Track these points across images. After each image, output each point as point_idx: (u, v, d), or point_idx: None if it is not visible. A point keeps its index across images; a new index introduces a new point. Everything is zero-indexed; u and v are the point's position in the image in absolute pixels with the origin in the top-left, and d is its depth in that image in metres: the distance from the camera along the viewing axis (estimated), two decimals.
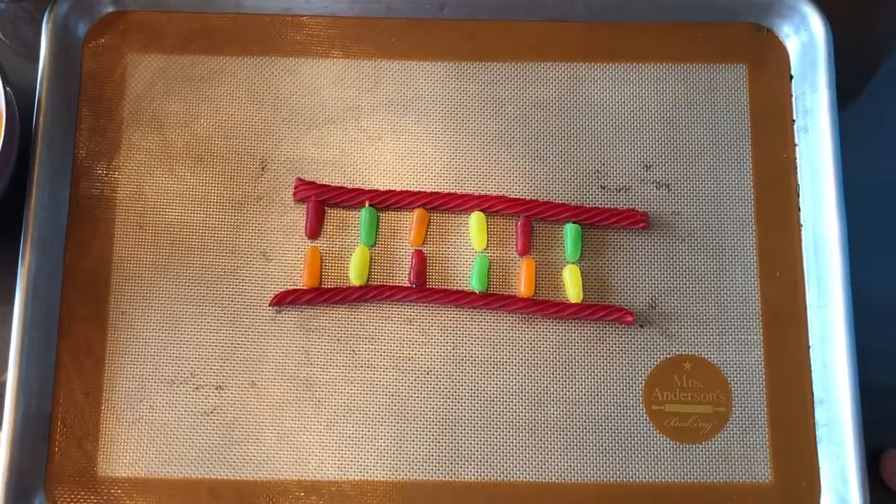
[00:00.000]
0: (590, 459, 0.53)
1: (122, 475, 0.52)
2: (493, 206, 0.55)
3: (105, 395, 0.53)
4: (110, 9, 0.58)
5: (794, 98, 0.58)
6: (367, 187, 0.56)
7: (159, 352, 0.54)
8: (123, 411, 0.53)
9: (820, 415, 0.53)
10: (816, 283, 0.55)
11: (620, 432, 0.53)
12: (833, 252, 0.54)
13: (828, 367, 0.53)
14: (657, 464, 0.53)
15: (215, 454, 0.53)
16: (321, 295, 0.54)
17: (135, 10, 0.58)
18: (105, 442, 0.53)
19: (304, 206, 0.56)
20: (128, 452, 0.53)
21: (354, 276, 0.54)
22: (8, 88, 0.51)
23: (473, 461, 0.53)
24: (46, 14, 0.56)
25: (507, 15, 0.58)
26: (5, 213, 0.54)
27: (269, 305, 0.54)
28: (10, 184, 0.52)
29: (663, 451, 0.53)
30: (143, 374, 0.53)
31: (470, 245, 0.55)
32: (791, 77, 0.58)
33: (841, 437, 0.52)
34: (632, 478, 0.53)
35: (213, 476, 0.52)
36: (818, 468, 0.53)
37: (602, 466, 0.53)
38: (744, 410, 0.54)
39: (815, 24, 0.57)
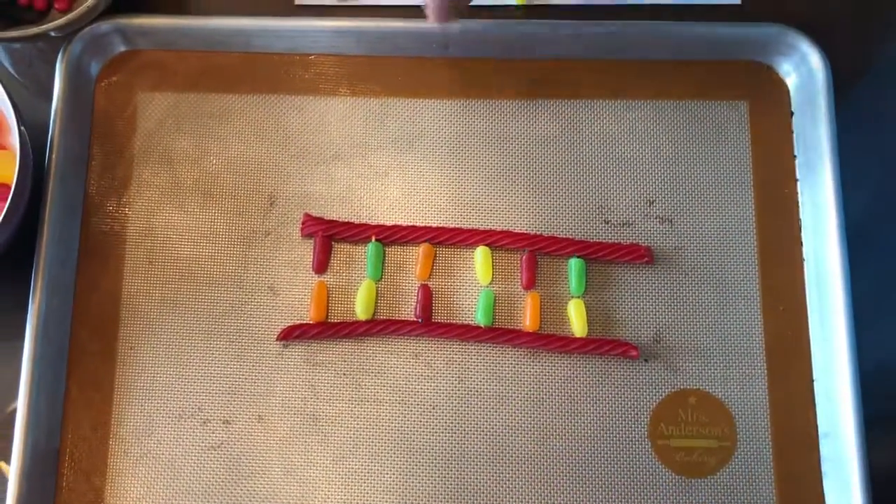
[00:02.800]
0: (595, 493, 0.53)
1: None
2: (498, 241, 0.56)
3: (113, 429, 0.54)
4: (122, 48, 0.59)
5: (794, 134, 0.58)
6: (373, 222, 0.57)
7: (167, 386, 0.54)
8: (131, 445, 0.53)
9: (825, 449, 0.53)
10: (819, 316, 0.55)
11: (626, 466, 0.53)
12: (836, 285, 0.54)
13: (832, 401, 0.53)
14: (663, 498, 0.53)
15: (222, 488, 0.53)
16: (328, 329, 0.54)
17: (146, 50, 0.59)
18: (113, 476, 0.53)
19: (312, 241, 0.56)
20: (135, 487, 0.53)
21: (361, 311, 0.55)
22: (23, 128, 0.52)
23: (479, 495, 0.53)
24: (60, 54, 0.57)
25: (511, 53, 0.59)
26: (18, 248, 0.54)
27: (277, 340, 0.55)
28: (22, 221, 0.53)
29: (669, 485, 0.53)
30: (150, 409, 0.54)
31: (475, 279, 0.56)
32: (791, 113, 0.59)
33: (846, 471, 0.52)
34: None
35: None
36: (824, 503, 0.53)
37: (608, 500, 0.53)
38: (749, 444, 0.54)
39: (815, 61, 0.57)
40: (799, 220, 0.57)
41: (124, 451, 0.53)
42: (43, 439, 0.53)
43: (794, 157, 0.58)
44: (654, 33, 0.59)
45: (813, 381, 0.55)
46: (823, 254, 0.55)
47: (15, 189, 0.50)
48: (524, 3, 0.61)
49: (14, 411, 0.53)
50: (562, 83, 0.59)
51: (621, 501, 0.53)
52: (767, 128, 0.59)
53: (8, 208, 0.50)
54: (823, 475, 0.53)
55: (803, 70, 0.58)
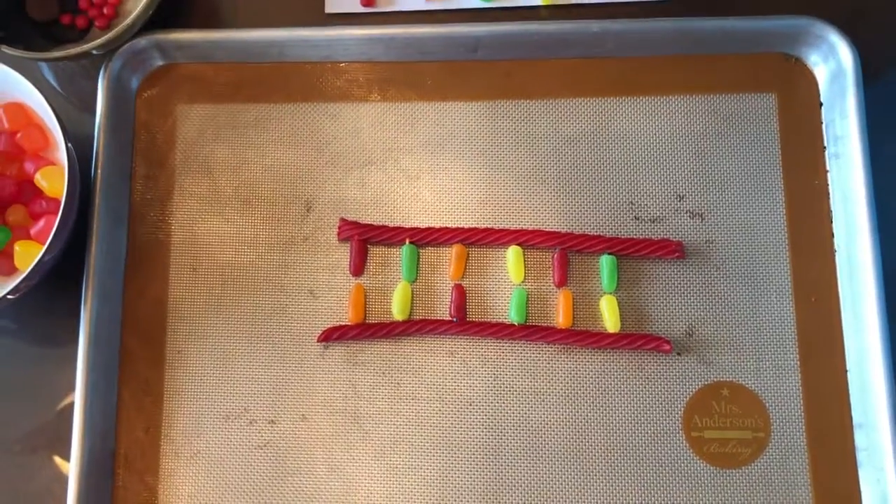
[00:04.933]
0: (630, 487, 0.54)
1: None
2: (529, 240, 0.57)
3: (164, 431, 0.56)
4: (160, 62, 0.61)
5: (824, 125, 0.59)
6: (407, 225, 0.58)
7: (214, 388, 0.56)
8: (182, 446, 0.56)
9: (860, 439, 0.54)
10: (852, 307, 0.55)
11: (660, 459, 0.54)
12: (868, 275, 0.55)
13: (866, 391, 0.54)
14: (698, 489, 0.54)
15: (269, 486, 0.55)
16: (366, 330, 0.56)
17: (184, 63, 0.61)
18: (165, 476, 0.55)
19: (348, 245, 0.58)
20: (187, 485, 0.55)
21: (397, 311, 0.56)
22: (69, 144, 0.54)
23: (516, 490, 0.54)
24: (102, 70, 0.59)
25: (539, 54, 0.60)
26: (69, 259, 0.57)
27: (317, 341, 0.56)
28: (72, 232, 0.55)
29: (704, 476, 0.54)
30: (199, 411, 0.56)
31: (508, 278, 0.57)
32: (821, 104, 0.59)
33: (881, 461, 0.52)
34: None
35: None
36: (859, 493, 0.53)
37: (643, 493, 0.54)
38: (783, 435, 0.54)
39: (843, 52, 0.57)
40: (830, 211, 0.57)
41: (175, 452, 0.56)
42: (99, 442, 0.55)
43: (824, 148, 0.58)
44: (680, 29, 0.59)
45: (846, 371, 0.55)
46: (855, 244, 0.56)
47: (65, 204, 0.53)
48: (550, 3, 0.61)
49: (66, 408, 0.55)
50: (590, 81, 0.60)
51: (657, 494, 0.54)
52: (797, 120, 0.59)
53: (59, 222, 0.52)
54: (858, 465, 0.54)
55: (832, 61, 0.58)
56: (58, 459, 0.56)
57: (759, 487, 0.54)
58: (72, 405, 0.55)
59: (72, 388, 0.55)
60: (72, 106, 0.63)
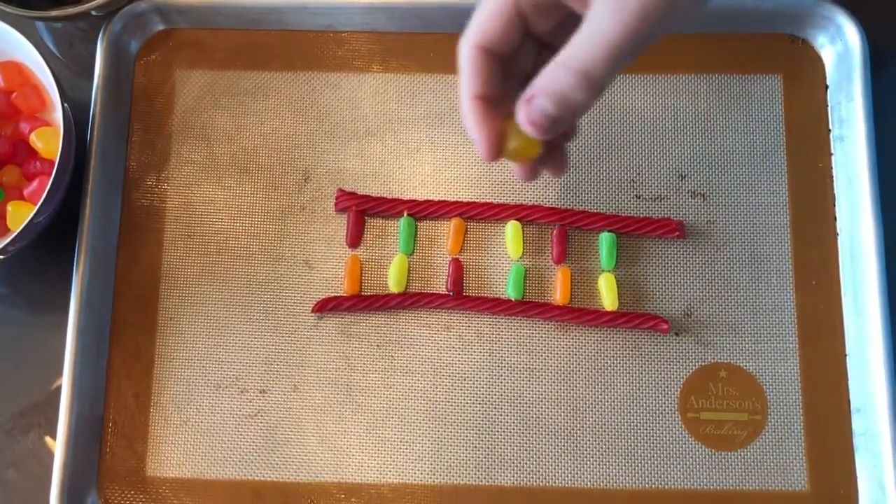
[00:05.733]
0: (625, 466, 0.53)
1: (169, 475, 0.54)
2: (528, 216, 0.56)
3: (154, 398, 0.55)
4: (160, 27, 0.60)
5: (829, 108, 0.58)
6: (405, 197, 0.57)
7: (206, 356, 0.56)
8: (171, 414, 0.55)
9: (857, 424, 0.53)
10: (853, 291, 0.55)
11: (656, 439, 0.54)
12: (869, 260, 0.54)
13: (865, 376, 0.53)
14: (692, 471, 0.53)
15: (259, 456, 0.54)
16: (361, 302, 0.55)
17: (184, 28, 0.61)
18: (154, 443, 0.55)
19: (345, 215, 0.57)
20: (175, 454, 0.55)
21: (393, 284, 0.56)
22: (66, 105, 0.53)
23: (510, 466, 0.54)
24: (101, 32, 0.58)
25: None
26: (62, 223, 0.56)
27: (311, 312, 0.56)
28: (65, 195, 0.55)
29: (699, 458, 0.53)
30: (190, 378, 0.55)
31: (506, 253, 0.57)
32: (826, 87, 0.58)
33: (878, 446, 0.52)
34: (667, 484, 0.53)
35: (256, 478, 0.54)
36: (855, 477, 0.53)
37: (637, 473, 0.53)
38: (780, 418, 0.54)
39: (851, 33, 0.57)
40: (833, 194, 0.57)
41: (164, 419, 0.55)
42: (87, 407, 0.54)
43: (829, 131, 0.58)
44: None
45: (846, 355, 0.54)
46: (857, 228, 0.55)
47: (59, 165, 0.52)
48: None
49: (55, 372, 0.54)
50: None
51: (651, 474, 0.53)
52: (802, 102, 0.58)
53: (52, 183, 0.52)
54: (855, 449, 0.53)
55: (839, 43, 0.58)
56: (45, 424, 0.56)
57: (754, 470, 0.53)
58: (61, 370, 0.54)
59: (62, 353, 0.54)
60: (70, 71, 0.62)
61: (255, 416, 0.55)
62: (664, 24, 0.34)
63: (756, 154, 0.58)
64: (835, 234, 0.56)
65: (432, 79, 0.59)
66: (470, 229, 0.57)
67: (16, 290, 0.59)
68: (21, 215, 0.52)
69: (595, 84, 0.35)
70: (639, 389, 0.54)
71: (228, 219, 0.58)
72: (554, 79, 0.36)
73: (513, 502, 0.53)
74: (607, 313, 0.55)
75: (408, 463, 0.54)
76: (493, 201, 0.57)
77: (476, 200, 0.57)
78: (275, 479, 0.54)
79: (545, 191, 0.57)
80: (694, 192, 0.57)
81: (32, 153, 0.56)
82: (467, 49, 0.40)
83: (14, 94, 0.56)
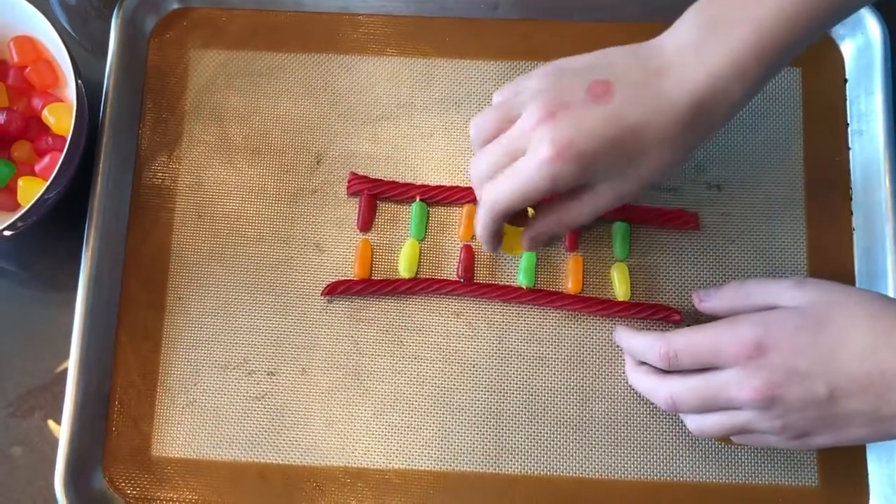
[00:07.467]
0: (633, 457, 0.53)
1: (174, 456, 0.54)
2: None
3: (160, 377, 0.55)
4: (175, 5, 0.60)
5: (848, 101, 0.57)
6: (418, 182, 0.57)
7: (214, 337, 0.55)
8: (178, 394, 0.55)
9: None
10: (868, 286, 0.54)
11: (665, 430, 0.53)
12: (884, 256, 0.53)
13: None
14: (702, 463, 0.53)
15: (265, 438, 0.54)
16: (371, 286, 0.55)
17: (199, 7, 0.60)
18: (159, 423, 0.54)
19: (357, 199, 0.57)
20: (181, 434, 0.54)
21: (404, 269, 0.55)
22: (79, 81, 0.53)
23: (517, 454, 0.53)
24: (116, 10, 0.58)
25: (560, 15, 0.59)
26: (73, 200, 0.56)
27: (321, 295, 0.55)
28: (76, 173, 0.54)
29: (709, 450, 0.53)
30: (197, 359, 0.55)
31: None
32: (846, 80, 0.58)
33: (890, 442, 0.51)
34: (675, 476, 0.53)
35: (262, 460, 0.54)
36: (866, 473, 0.52)
37: (645, 464, 0.53)
38: None
39: (872, 26, 0.56)
40: (850, 189, 0.56)
41: (171, 399, 0.55)
42: (94, 385, 0.54)
43: (847, 125, 0.57)
44: None
45: None
46: (873, 224, 0.54)
47: (70, 141, 0.52)
48: None
49: (63, 349, 0.54)
50: (612, 45, 0.58)
51: (659, 465, 0.53)
52: (820, 95, 0.58)
53: (63, 159, 0.51)
54: (867, 446, 0.53)
55: (859, 36, 0.57)
56: (52, 402, 0.55)
57: (764, 464, 0.53)
58: (69, 348, 0.53)
59: (70, 331, 0.54)
60: (83, 49, 0.62)
61: (263, 398, 0.54)
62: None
63: (773, 146, 0.57)
64: (850, 229, 0.56)
65: (448, 63, 0.59)
66: None
67: (24, 267, 0.59)
68: (32, 191, 0.52)
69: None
70: None
71: (239, 200, 0.57)
72: (552, 228, 0.48)
73: (520, 491, 0.53)
74: (619, 303, 0.55)
75: (415, 449, 0.53)
76: None
77: None
78: (280, 462, 0.54)
79: None
80: (710, 184, 0.57)
81: (44, 129, 0.56)
82: (491, 221, 0.48)
83: (27, 69, 0.56)
